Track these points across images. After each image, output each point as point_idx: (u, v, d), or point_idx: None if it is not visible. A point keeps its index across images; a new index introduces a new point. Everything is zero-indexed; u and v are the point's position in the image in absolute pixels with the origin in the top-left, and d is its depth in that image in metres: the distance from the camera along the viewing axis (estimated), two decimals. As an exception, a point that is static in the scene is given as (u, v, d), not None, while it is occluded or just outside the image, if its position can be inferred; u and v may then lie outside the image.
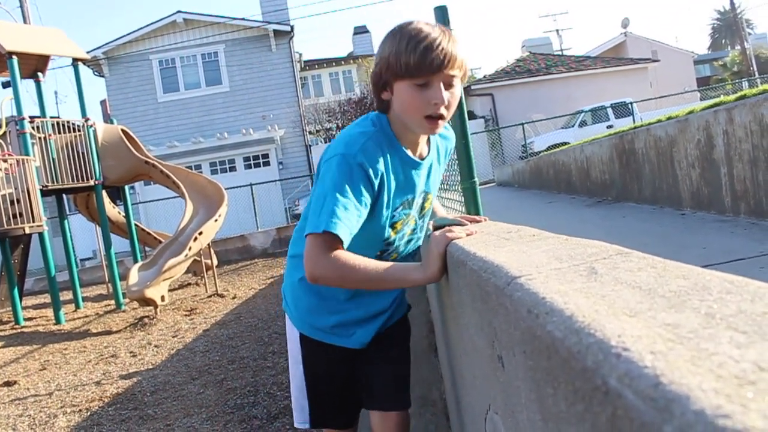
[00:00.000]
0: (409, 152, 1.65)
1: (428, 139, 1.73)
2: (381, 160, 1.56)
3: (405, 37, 1.49)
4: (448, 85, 1.52)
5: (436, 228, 1.60)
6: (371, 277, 1.48)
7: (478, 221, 1.81)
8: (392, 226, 1.68)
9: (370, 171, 1.53)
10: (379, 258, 1.68)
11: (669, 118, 8.22)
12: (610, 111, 21.59)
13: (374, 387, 1.94)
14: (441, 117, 1.54)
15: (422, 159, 1.69)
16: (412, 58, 1.47)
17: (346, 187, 1.48)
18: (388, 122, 1.63)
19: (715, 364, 0.46)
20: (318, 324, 1.81)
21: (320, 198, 1.50)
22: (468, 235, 1.51)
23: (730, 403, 0.40)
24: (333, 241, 1.45)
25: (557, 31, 43.05)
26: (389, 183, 1.59)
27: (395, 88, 1.55)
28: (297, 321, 1.86)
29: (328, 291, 1.76)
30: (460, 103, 2.50)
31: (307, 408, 1.86)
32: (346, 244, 1.47)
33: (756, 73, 35.79)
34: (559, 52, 37.00)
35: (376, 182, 1.55)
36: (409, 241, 1.79)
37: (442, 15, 2.42)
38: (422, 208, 1.77)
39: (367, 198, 1.52)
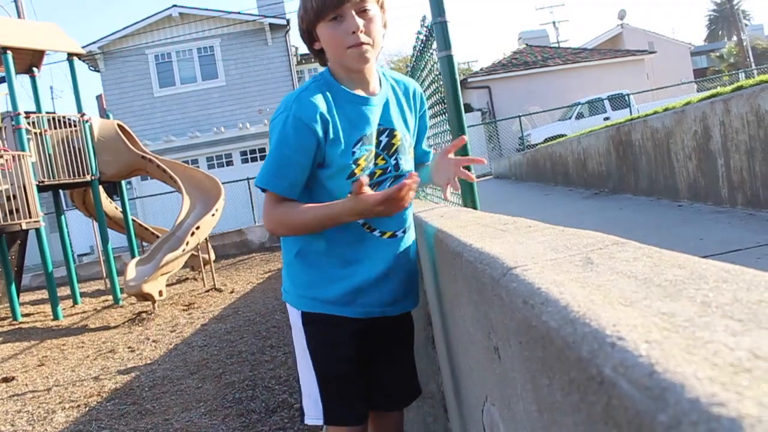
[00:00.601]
0: (357, 92, 1.70)
1: (380, 82, 1.78)
2: (319, 104, 1.61)
3: None
4: (362, 12, 1.60)
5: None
6: (308, 216, 1.62)
7: (479, 161, 1.87)
8: (356, 162, 1.69)
9: (307, 118, 1.59)
10: None
11: (666, 110, 8.21)
12: (606, 103, 21.60)
13: (389, 388, 1.92)
14: (363, 43, 1.60)
15: (374, 96, 1.73)
16: (315, 1, 1.58)
17: (285, 141, 1.60)
18: (330, 72, 1.71)
19: (711, 353, 0.45)
20: (320, 296, 1.74)
21: (268, 155, 1.65)
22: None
23: (725, 391, 0.39)
24: (277, 196, 1.63)
25: (554, 23, 42.99)
26: (335, 121, 1.64)
27: (318, 34, 1.64)
28: (297, 300, 1.78)
29: (321, 260, 1.74)
30: (456, 96, 2.50)
31: (319, 400, 1.76)
32: (293, 194, 1.64)
33: (752, 64, 35.81)
34: (556, 45, 36.93)
35: (318, 126, 1.60)
36: (380, 182, 1.75)
37: (437, 4, 2.41)
38: (390, 145, 1.76)
39: (308, 145, 1.60)
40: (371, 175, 1.72)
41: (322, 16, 1.59)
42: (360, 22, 1.58)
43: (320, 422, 1.77)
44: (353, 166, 1.68)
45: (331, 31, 1.60)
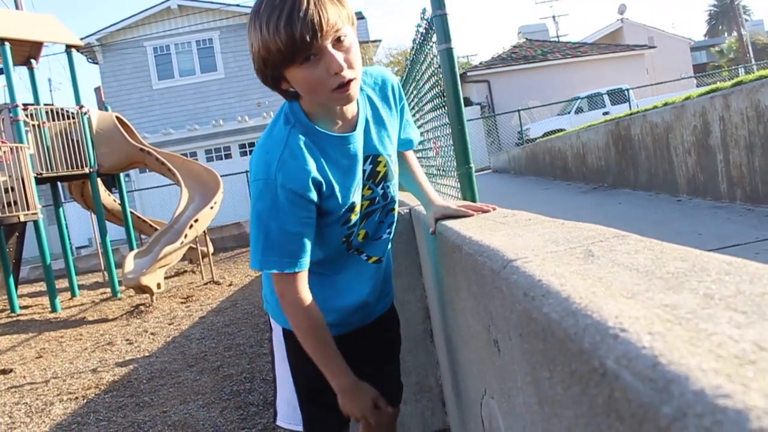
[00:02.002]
0: (334, 130, 1.48)
1: (357, 101, 1.53)
2: (309, 167, 1.42)
3: (262, 21, 1.30)
4: (338, 44, 1.33)
5: (437, 219, 1.63)
6: (317, 346, 1.52)
7: (485, 210, 1.71)
8: (351, 210, 1.54)
9: (300, 189, 1.40)
10: (346, 242, 1.61)
11: (665, 105, 8.21)
12: (606, 98, 21.59)
13: (377, 387, 1.90)
14: (350, 80, 1.35)
15: (354, 126, 1.52)
16: (280, 43, 1.28)
17: (283, 218, 1.41)
18: (302, 109, 1.46)
19: (715, 344, 0.45)
20: None
21: (260, 229, 1.43)
22: None
23: (730, 383, 0.39)
24: (296, 275, 1.45)
25: (554, 17, 42.91)
26: (327, 177, 1.46)
27: (288, 77, 1.36)
28: (278, 314, 1.70)
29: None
30: (456, 89, 2.49)
31: (299, 408, 1.75)
32: (303, 268, 1.45)
33: (752, 60, 35.78)
34: (556, 39, 36.87)
35: (312, 193, 1.42)
36: (369, 213, 1.63)
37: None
38: (375, 173, 1.59)
39: (304, 211, 1.42)
40: (361, 208, 1.59)
41: (292, 61, 1.30)
42: (340, 57, 1.32)
43: (298, 428, 1.76)
44: (349, 214, 1.54)
45: (307, 73, 1.32)
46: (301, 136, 1.43)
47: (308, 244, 1.44)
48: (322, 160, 1.45)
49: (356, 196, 1.54)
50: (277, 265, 1.43)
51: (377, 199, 1.62)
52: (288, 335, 1.70)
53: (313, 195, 1.42)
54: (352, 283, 1.68)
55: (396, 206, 1.72)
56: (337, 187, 1.48)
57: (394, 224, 1.75)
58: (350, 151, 1.50)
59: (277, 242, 1.42)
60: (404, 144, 1.79)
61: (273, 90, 1.43)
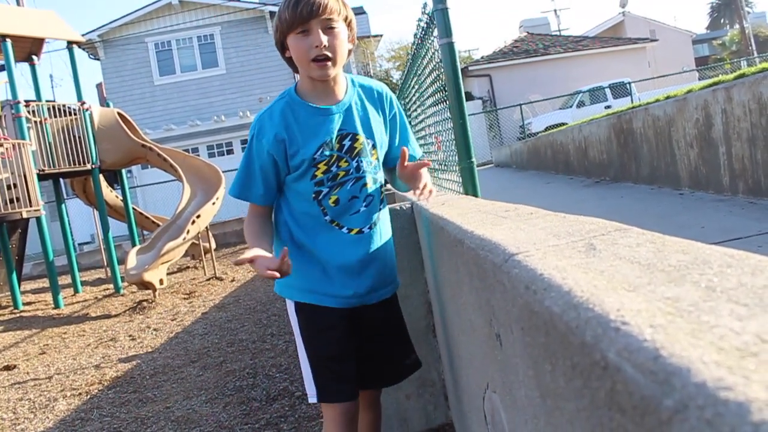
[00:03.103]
0: (317, 104, 1.87)
1: (347, 89, 1.92)
2: (276, 124, 1.84)
3: (285, 1, 1.77)
4: (328, 29, 1.76)
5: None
6: (246, 235, 1.91)
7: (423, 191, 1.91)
8: (315, 166, 1.86)
9: (265, 140, 1.84)
10: (316, 198, 1.89)
11: (667, 98, 8.19)
12: (608, 91, 21.54)
13: (379, 366, 2.06)
14: (326, 58, 1.77)
15: (336, 104, 1.88)
16: (288, 14, 1.74)
17: (248, 156, 1.88)
18: (296, 85, 1.91)
19: (716, 337, 0.45)
20: (302, 285, 1.92)
21: (240, 164, 1.92)
22: None
23: (732, 375, 0.39)
24: (253, 205, 1.93)
25: (555, 11, 42.84)
26: (293, 135, 1.84)
27: (288, 44, 1.81)
28: (283, 288, 1.97)
29: (299, 253, 1.90)
30: (457, 83, 2.49)
31: (312, 380, 1.92)
32: (266, 202, 1.92)
33: (755, 52, 35.66)
34: (557, 33, 36.79)
35: (274, 147, 1.83)
36: (343, 183, 1.90)
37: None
38: (352, 149, 1.90)
39: (268, 161, 1.85)
40: (334, 176, 1.88)
41: (292, 29, 1.76)
42: (324, 38, 1.74)
43: (315, 400, 1.92)
44: (314, 169, 1.86)
45: (297, 43, 1.76)
46: (283, 103, 1.87)
47: (265, 186, 1.89)
48: (294, 122, 1.85)
49: (320, 155, 1.86)
50: (236, 192, 1.92)
51: (351, 170, 1.91)
52: (299, 308, 1.93)
53: (274, 149, 1.84)
54: (331, 248, 1.91)
55: (369, 182, 1.94)
56: (301, 144, 1.84)
57: (373, 200, 1.96)
58: (322, 121, 1.87)
59: (241, 176, 1.90)
60: (410, 157, 2.01)
61: (282, 58, 1.89)
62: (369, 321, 1.97)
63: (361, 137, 1.91)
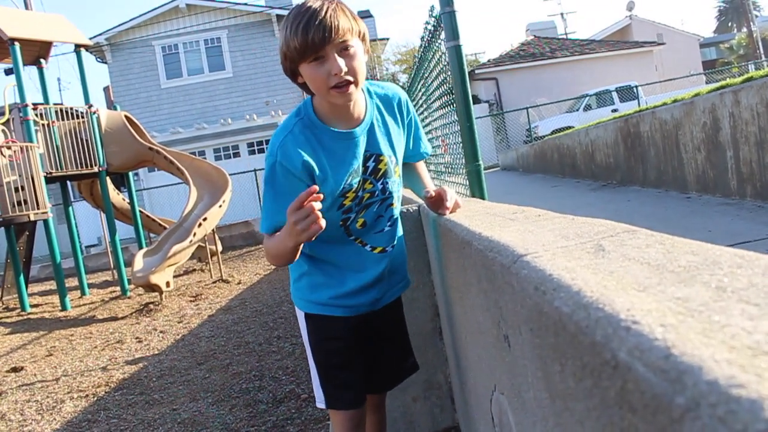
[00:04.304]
0: (339, 127, 1.73)
1: (366, 105, 1.79)
2: (303, 150, 1.67)
3: (288, 23, 1.60)
4: (344, 52, 1.60)
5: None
6: (272, 250, 1.72)
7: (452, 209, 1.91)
8: (344, 195, 1.76)
9: (292, 167, 1.66)
10: (344, 225, 1.81)
11: (674, 101, 8.17)
12: (615, 95, 21.50)
13: (383, 369, 2.07)
14: (348, 83, 1.61)
15: (358, 125, 1.76)
16: (297, 42, 1.57)
17: (273, 188, 1.70)
18: (312, 106, 1.74)
19: (728, 336, 0.45)
20: (315, 299, 1.90)
21: (264, 195, 1.76)
22: None
23: (744, 373, 0.39)
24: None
25: (562, 14, 42.78)
26: (321, 162, 1.70)
27: (302, 72, 1.64)
28: (298, 300, 1.95)
29: (318, 268, 1.88)
30: (464, 86, 2.49)
31: (320, 386, 1.93)
32: None
33: (762, 56, 35.55)
34: (564, 36, 36.74)
35: (303, 174, 1.67)
36: (368, 205, 1.83)
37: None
38: (377, 170, 1.81)
39: (298, 189, 1.59)
40: (360, 200, 1.80)
41: (304, 58, 1.59)
42: (342, 61, 1.58)
43: (323, 406, 1.94)
44: (342, 199, 1.77)
45: (313, 72, 1.61)
46: (304, 126, 1.72)
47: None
48: (320, 148, 1.70)
49: (349, 184, 1.75)
50: (268, 228, 1.73)
51: (377, 192, 1.83)
52: (308, 317, 1.92)
53: (304, 176, 1.67)
54: (353, 267, 1.86)
55: (395, 202, 1.90)
56: (330, 173, 1.71)
57: (397, 220, 1.93)
58: (348, 146, 1.74)
59: (270, 209, 1.72)
60: (418, 156, 2.01)
61: (293, 82, 1.72)
62: (375, 323, 1.98)
63: (385, 158, 1.82)
